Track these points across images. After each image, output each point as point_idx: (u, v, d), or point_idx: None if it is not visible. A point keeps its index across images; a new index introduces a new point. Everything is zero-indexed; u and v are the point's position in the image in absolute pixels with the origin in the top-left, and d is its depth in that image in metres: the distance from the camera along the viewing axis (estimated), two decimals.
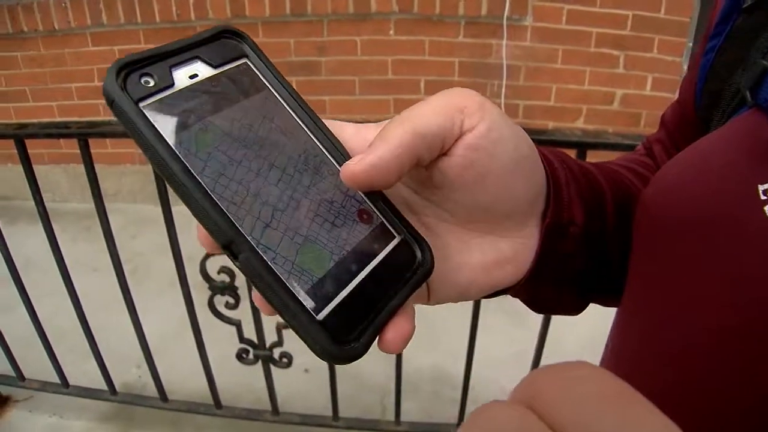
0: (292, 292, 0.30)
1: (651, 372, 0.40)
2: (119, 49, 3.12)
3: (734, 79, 0.43)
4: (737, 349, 0.34)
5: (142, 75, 0.31)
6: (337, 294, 0.32)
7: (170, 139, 0.30)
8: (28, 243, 2.15)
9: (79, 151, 1.37)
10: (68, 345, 1.90)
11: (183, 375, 2.00)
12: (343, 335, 0.30)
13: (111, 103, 0.30)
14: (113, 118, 0.31)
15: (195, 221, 0.30)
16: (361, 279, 0.33)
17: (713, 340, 0.35)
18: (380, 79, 3.06)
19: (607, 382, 0.20)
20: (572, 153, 1.27)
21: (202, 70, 0.33)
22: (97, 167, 1.47)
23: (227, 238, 0.30)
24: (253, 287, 0.31)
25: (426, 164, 0.35)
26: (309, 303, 0.30)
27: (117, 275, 1.60)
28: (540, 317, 1.55)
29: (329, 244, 0.33)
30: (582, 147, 1.27)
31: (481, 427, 0.20)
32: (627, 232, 0.46)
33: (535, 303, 0.48)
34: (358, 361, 0.31)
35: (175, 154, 0.30)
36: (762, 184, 0.34)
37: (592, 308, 0.51)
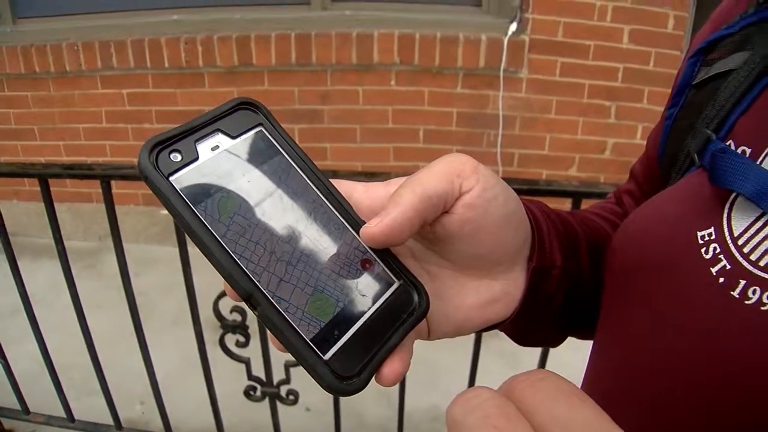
0: (302, 337, 0.34)
1: (620, 387, 0.46)
2: (128, 92, 3.17)
3: (686, 143, 0.49)
4: (681, 375, 0.40)
5: (171, 151, 0.35)
6: (341, 337, 0.36)
7: (196, 208, 0.34)
8: (31, 279, 2.19)
9: (82, 191, 1.42)
10: (71, 381, 1.92)
11: (186, 412, 2.03)
12: (346, 372, 0.35)
13: (145, 178, 0.34)
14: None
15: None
16: (363, 322, 0.37)
17: (664, 369, 0.41)
18: (381, 127, 3.11)
19: (561, 383, 0.28)
20: (569, 201, 1.35)
21: (223, 142, 0.37)
22: (101, 207, 1.52)
23: (247, 293, 0.34)
24: (268, 331, 0.35)
25: (430, 221, 0.40)
26: (317, 346, 0.35)
27: (131, 311, 1.64)
28: (534, 360, 1.60)
29: (335, 292, 0.37)
30: (577, 196, 1.35)
31: (469, 400, 0.28)
32: (599, 273, 0.53)
33: (519, 337, 0.54)
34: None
35: (201, 221, 0.34)
36: (700, 230, 0.40)
37: (582, 353, 0.58)
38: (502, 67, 2.91)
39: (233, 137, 0.38)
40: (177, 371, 2.19)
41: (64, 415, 1.91)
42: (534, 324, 0.51)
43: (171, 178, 0.34)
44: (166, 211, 0.34)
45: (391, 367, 0.37)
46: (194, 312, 1.60)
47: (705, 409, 0.38)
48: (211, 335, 1.70)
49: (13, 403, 1.93)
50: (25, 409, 1.93)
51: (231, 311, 1.59)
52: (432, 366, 2.31)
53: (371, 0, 2.99)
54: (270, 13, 3.01)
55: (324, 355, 0.35)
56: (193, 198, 0.34)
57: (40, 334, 1.75)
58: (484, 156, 3.10)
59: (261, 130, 0.39)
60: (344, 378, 0.35)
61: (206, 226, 0.34)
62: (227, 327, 1.61)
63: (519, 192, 0.45)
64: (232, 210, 0.35)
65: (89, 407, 1.96)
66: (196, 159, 0.36)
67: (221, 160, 0.36)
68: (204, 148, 0.36)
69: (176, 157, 0.35)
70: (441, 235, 0.42)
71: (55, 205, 1.54)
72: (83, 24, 3.15)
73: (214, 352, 1.71)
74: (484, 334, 1.58)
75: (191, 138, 0.36)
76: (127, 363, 1.88)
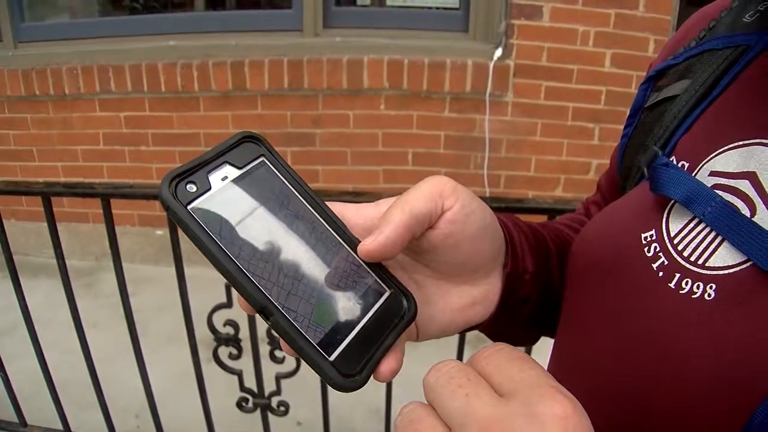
0: (310, 342, 0.39)
1: (576, 374, 0.52)
2: (125, 116, 3.22)
3: (639, 158, 0.56)
4: (627, 359, 0.45)
5: (187, 183, 0.38)
6: (343, 340, 0.40)
7: (212, 232, 0.38)
8: (28, 298, 2.23)
9: (79, 211, 1.45)
10: (68, 395, 1.94)
11: (181, 426, 2.06)
12: (349, 370, 0.39)
13: (167, 208, 0.37)
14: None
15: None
16: (361, 326, 0.41)
17: (613, 356, 0.47)
18: (371, 150, 3.15)
19: (514, 352, 0.35)
20: (544, 218, 1.42)
21: (231, 172, 0.41)
22: (98, 227, 1.57)
23: (260, 305, 0.38)
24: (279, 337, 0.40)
25: (417, 236, 0.45)
26: (323, 349, 0.39)
27: (128, 326, 1.69)
28: None
29: (336, 302, 0.41)
30: (552, 213, 1.42)
31: (439, 369, 0.35)
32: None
33: (498, 336, 0.59)
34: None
35: (217, 244, 0.38)
36: (643, 232, 0.46)
37: None
38: (488, 92, 2.96)
39: (239, 168, 0.42)
40: (172, 386, 2.23)
41: (62, 428, 1.94)
42: (510, 324, 0.56)
43: (189, 207, 0.38)
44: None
45: (387, 365, 0.42)
46: (189, 326, 1.65)
47: (649, 391, 0.43)
48: (204, 352, 1.75)
49: (10, 416, 1.96)
50: (23, 422, 1.96)
51: (224, 324, 1.65)
52: (419, 383, 2.36)
53: (361, 27, 3.07)
54: (263, 40, 3.08)
55: (330, 356, 0.39)
56: (209, 224, 0.38)
57: (40, 349, 1.79)
58: (472, 178, 3.15)
59: (263, 160, 0.43)
60: (348, 375, 0.39)
61: (222, 248, 0.38)
62: (220, 340, 1.66)
63: (496, 210, 0.51)
64: (243, 232, 0.39)
65: (86, 421, 2.00)
66: (209, 189, 0.39)
67: (231, 189, 0.40)
68: (215, 178, 0.40)
69: (192, 188, 0.39)
70: (426, 248, 0.46)
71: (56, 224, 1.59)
72: (83, 49, 3.20)
73: (207, 369, 1.75)
74: (467, 352, 1.64)
75: (204, 170, 0.40)
76: (123, 378, 1.92)
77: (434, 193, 0.44)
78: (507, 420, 0.30)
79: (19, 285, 1.69)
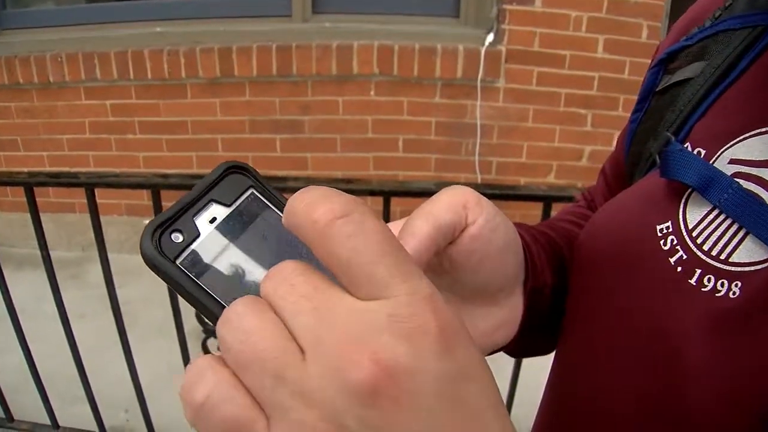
0: None
1: (583, 372, 0.49)
2: (111, 104, 3.18)
3: (649, 144, 0.53)
4: (629, 371, 0.43)
5: (172, 232, 0.33)
6: None
7: (210, 288, 0.32)
8: (14, 290, 2.21)
9: (65, 201, 1.43)
10: (55, 389, 1.93)
11: (171, 420, 2.04)
12: None
13: (153, 267, 0.32)
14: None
15: None
16: None
17: (615, 363, 0.44)
18: (361, 137, 3.13)
19: (369, 224, 0.28)
20: (539, 205, 1.40)
21: (219, 212, 0.35)
22: (84, 217, 1.54)
23: None
24: None
25: (441, 250, 0.41)
26: None
27: (115, 318, 1.67)
28: (510, 367, 1.65)
29: None
30: (546, 200, 1.40)
31: (278, 276, 0.30)
32: None
33: (513, 351, 0.54)
34: None
35: (218, 302, 0.32)
36: (659, 224, 0.43)
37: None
38: (479, 77, 2.94)
39: (228, 205, 0.36)
40: (161, 379, 2.20)
41: (49, 423, 1.92)
42: (530, 338, 0.52)
43: (178, 261, 0.33)
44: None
45: None
46: (178, 320, 1.63)
47: (661, 390, 0.40)
48: (194, 345, 1.72)
49: None
50: (9, 417, 1.94)
51: None
52: None
53: (351, 12, 3.04)
54: (251, 26, 3.05)
55: None
56: (204, 278, 0.33)
57: (26, 342, 1.77)
58: (463, 164, 3.15)
59: (252, 192, 0.38)
60: None
61: (220, 303, 0.32)
62: (209, 332, 1.64)
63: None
64: (244, 282, 0.34)
65: (74, 415, 1.98)
66: (198, 235, 0.34)
67: (222, 232, 0.35)
68: (202, 222, 0.35)
69: (178, 238, 0.33)
70: (448, 268, 0.43)
71: (39, 214, 1.56)
72: (67, 36, 3.16)
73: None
74: None
75: (188, 214, 0.34)
76: (112, 371, 1.90)
77: (457, 204, 0.41)
78: (369, 338, 0.26)
79: (3, 277, 1.65)
